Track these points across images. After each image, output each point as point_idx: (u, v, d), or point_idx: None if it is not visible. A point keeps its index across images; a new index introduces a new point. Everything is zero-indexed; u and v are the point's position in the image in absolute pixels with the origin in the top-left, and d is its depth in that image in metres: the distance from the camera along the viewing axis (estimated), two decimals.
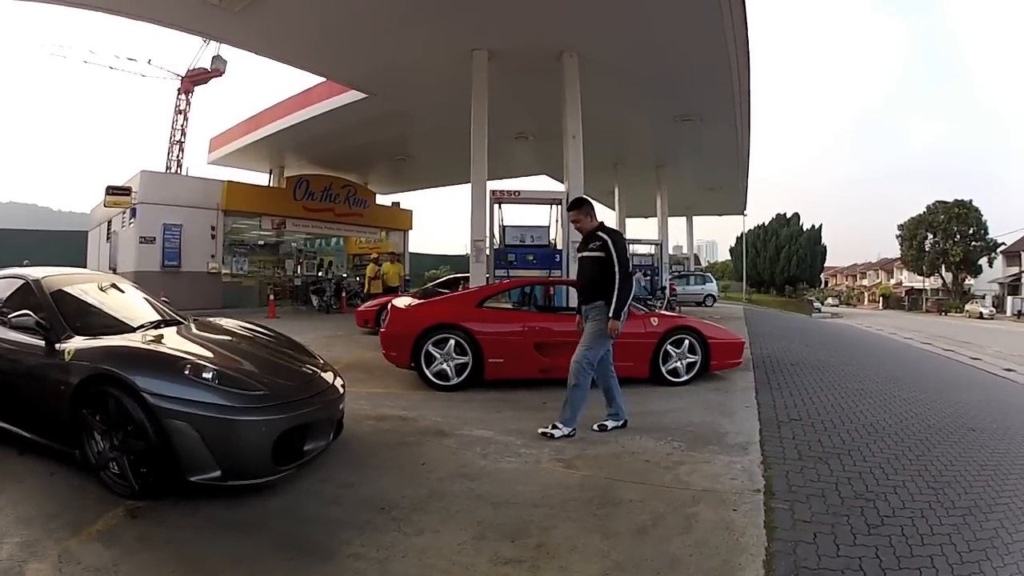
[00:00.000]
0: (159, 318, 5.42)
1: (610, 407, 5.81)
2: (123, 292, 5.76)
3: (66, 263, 21.22)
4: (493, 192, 12.46)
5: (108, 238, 22.48)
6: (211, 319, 6.00)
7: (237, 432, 3.89)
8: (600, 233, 5.60)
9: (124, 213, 20.36)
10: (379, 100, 15.84)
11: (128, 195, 19.36)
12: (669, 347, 7.95)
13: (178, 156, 43.55)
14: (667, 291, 21.69)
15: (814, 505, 4.05)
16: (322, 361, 5.30)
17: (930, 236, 58.32)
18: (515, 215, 12.83)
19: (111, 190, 19.29)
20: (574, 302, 11.33)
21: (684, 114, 16.65)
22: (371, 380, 8.10)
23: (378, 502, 3.96)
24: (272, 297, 19.83)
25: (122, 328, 4.92)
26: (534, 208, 14.05)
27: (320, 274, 24.99)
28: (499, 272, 12.11)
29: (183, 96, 45.25)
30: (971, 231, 56.41)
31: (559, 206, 12.69)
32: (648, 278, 21.19)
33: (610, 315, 5.39)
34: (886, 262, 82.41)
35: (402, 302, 8.51)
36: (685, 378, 7.96)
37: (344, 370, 8.83)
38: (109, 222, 22.29)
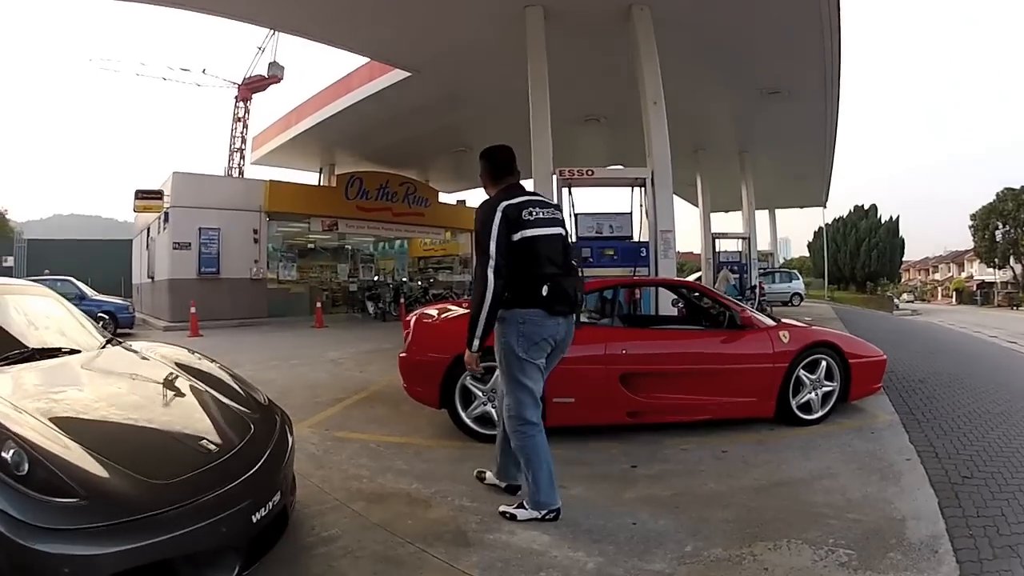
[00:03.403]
0: (50, 346, 3.83)
1: (501, 459, 4.08)
2: (26, 308, 4.28)
3: (113, 271, 21.63)
4: (561, 172, 10.42)
5: (147, 245, 21.87)
6: (140, 345, 4.33)
7: (26, 567, 2.22)
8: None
9: (159, 218, 19.51)
10: (425, 79, 14.64)
11: (159, 199, 18.51)
12: (802, 372, 5.85)
13: (239, 163, 44.01)
14: (757, 290, 19.90)
15: None
16: (260, 429, 3.28)
17: (1000, 225, 55.66)
18: (590, 201, 10.93)
19: (140, 194, 18.50)
20: (664, 309, 9.57)
21: (770, 87, 15.16)
22: (393, 421, 6.14)
23: None
24: (319, 305, 18.64)
25: None
26: (611, 193, 12.09)
27: (377, 279, 23.98)
28: None
29: (241, 103, 45.87)
30: None
31: (642, 189, 10.69)
32: (737, 276, 19.66)
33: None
34: (956, 255, 79.42)
35: (434, 312, 6.34)
36: (819, 414, 5.93)
37: (366, 402, 7.14)
38: (148, 228, 21.65)
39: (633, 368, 5.52)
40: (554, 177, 10.37)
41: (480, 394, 5.36)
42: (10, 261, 28.53)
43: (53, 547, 2.22)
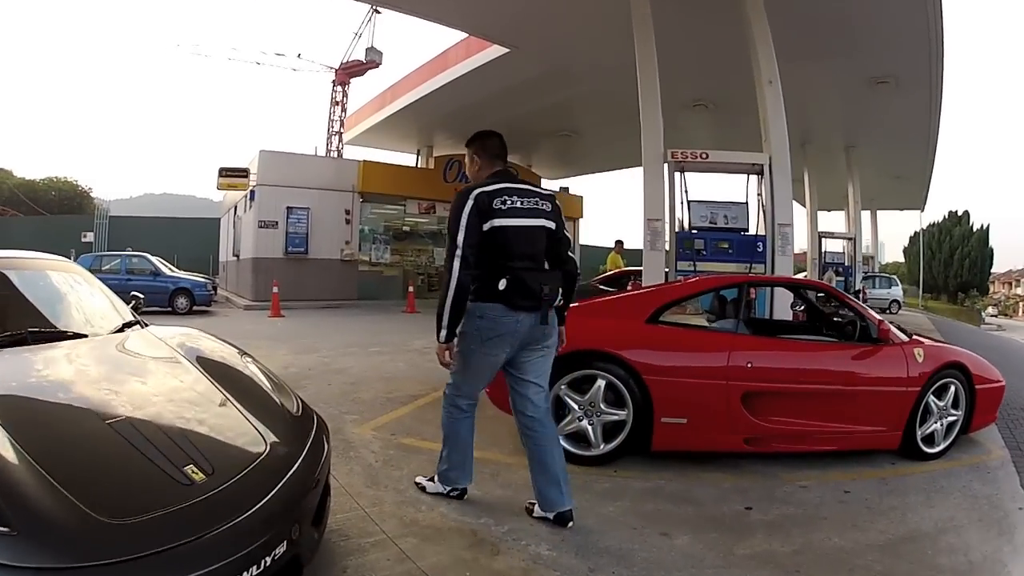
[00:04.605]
0: (55, 328, 3.37)
1: (535, 484, 3.67)
2: (42, 285, 3.84)
3: (202, 249, 22.21)
4: (673, 155, 9.55)
5: (234, 224, 22.27)
6: (166, 332, 3.68)
7: None
8: None
9: (245, 197, 19.59)
10: (524, 56, 14.10)
11: (245, 177, 18.54)
12: (931, 398, 5.07)
13: (338, 146, 44.42)
14: (861, 295, 18.88)
15: None
16: (278, 451, 2.56)
17: None
18: (699, 188, 10.00)
19: (224, 172, 18.63)
20: (779, 311, 8.54)
21: (878, 75, 14.48)
22: None
23: None
24: (411, 289, 18.44)
25: None
26: (726, 180, 11.17)
27: None
28: (682, 265, 9.23)
29: (339, 88, 46.41)
30: None
31: (758, 177, 9.87)
32: (841, 279, 18.80)
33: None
34: None
35: None
36: (942, 447, 5.20)
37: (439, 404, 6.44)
38: (235, 207, 22.00)
39: (759, 386, 4.63)
40: (665, 164, 9.59)
41: (576, 407, 4.53)
42: (89, 237, 29.21)
43: None
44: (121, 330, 3.54)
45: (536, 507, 3.61)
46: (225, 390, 2.86)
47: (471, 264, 3.40)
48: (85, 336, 3.31)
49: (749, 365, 4.60)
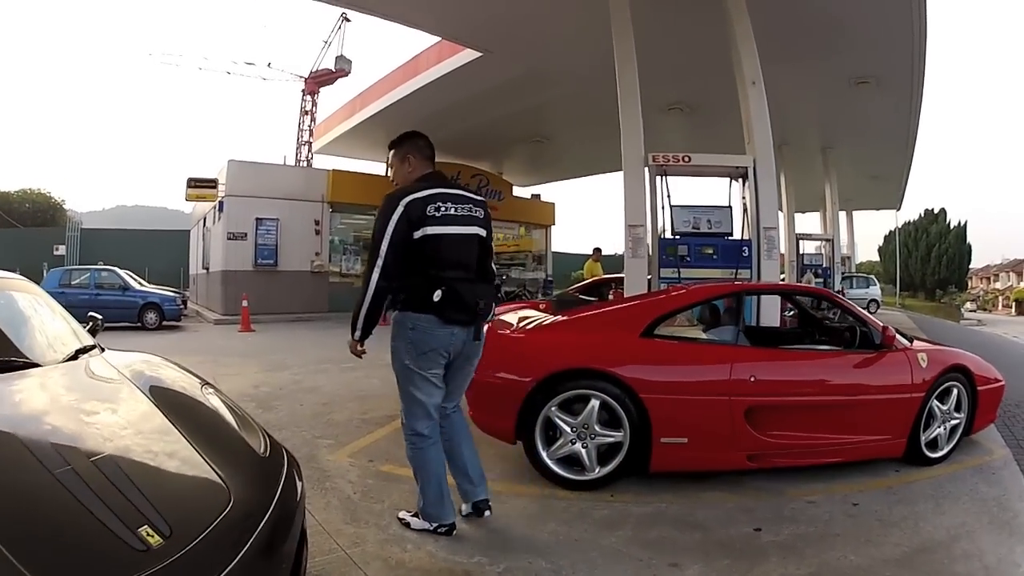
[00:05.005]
0: (10, 358, 2.91)
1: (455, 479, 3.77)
2: None
3: (173, 261, 22.26)
4: (654, 158, 9.33)
5: (203, 235, 22.11)
6: (122, 359, 3.32)
7: None
8: None
9: (214, 208, 19.43)
10: (498, 60, 13.88)
11: (213, 188, 18.45)
12: (934, 402, 4.97)
13: (307, 156, 44.26)
14: (841, 295, 18.63)
15: None
16: (244, 502, 2.19)
17: None
18: (681, 193, 9.83)
19: (193, 182, 18.55)
20: (766, 319, 8.35)
21: (859, 75, 14.42)
22: None
23: None
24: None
25: None
26: (703, 184, 10.97)
27: None
28: (665, 272, 8.96)
29: (308, 97, 46.31)
30: None
31: (741, 181, 9.65)
32: (820, 281, 19.07)
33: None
34: (1016, 263, 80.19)
35: (512, 319, 5.18)
36: (945, 451, 5.10)
37: None
38: (204, 219, 21.78)
39: (763, 400, 4.43)
40: (646, 168, 9.37)
41: (568, 429, 4.25)
42: (61, 250, 29.07)
43: None
44: (76, 356, 3.20)
45: (465, 507, 3.70)
46: (184, 429, 2.51)
47: (391, 276, 3.34)
48: (38, 365, 2.95)
49: (752, 379, 4.39)
